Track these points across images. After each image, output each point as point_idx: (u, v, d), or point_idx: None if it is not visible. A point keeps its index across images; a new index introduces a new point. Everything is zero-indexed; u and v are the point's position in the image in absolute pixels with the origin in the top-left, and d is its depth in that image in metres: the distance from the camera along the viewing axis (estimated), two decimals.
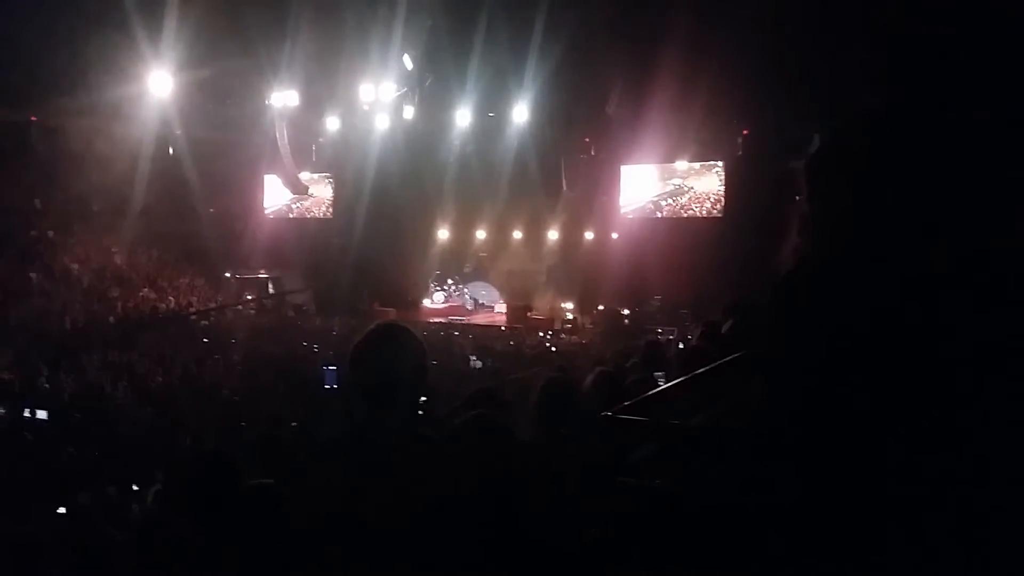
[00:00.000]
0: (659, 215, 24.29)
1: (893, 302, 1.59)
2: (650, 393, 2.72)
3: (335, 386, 11.16)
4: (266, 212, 28.48)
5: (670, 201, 24.21)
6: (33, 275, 19.46)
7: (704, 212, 23.67)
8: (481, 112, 23.38)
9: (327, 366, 11.59)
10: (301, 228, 27.67)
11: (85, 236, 22.74)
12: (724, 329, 4.50)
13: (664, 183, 24.27)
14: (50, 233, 22.00)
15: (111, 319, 18.90)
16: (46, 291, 19.04)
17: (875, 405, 1.57)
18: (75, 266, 21.17)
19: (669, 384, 3.19)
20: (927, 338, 1.58)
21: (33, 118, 22.09)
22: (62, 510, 7.16)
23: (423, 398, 2.52)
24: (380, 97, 22.08)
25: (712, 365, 3.22)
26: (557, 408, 3.17)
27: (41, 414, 10.76)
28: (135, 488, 7.86)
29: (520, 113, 22.70)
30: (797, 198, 1.87)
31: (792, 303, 1.74)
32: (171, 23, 16.70)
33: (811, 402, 1.65)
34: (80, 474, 8.54)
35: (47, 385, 12.66)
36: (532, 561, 2.23)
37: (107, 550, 5.95)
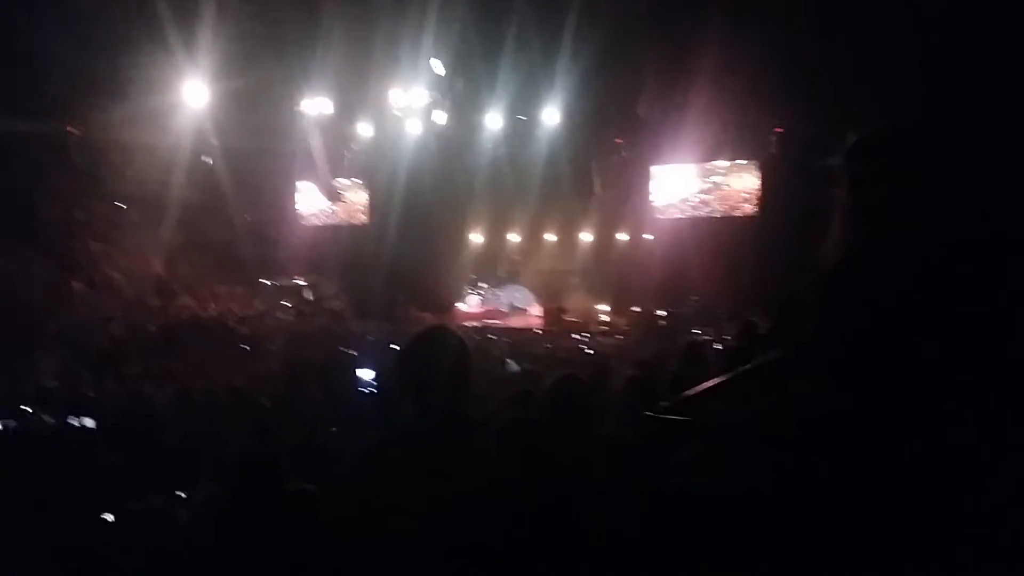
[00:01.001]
0: (693, 215, 24.09)
1: (943, 294, 1.58)
2: (690, 393, 2.71)
3: (370, 390, 11.20)
4: (301, 219, 28.72)
5: (704, 201, 24.02)
6: (75, 285, 19.81)
7: (739, 211, 23.45)
8: (512, 115, 23.41)
9: (358, 371, 11.63)
10: (336, 234, 27.84)
11: (126, 246, 23.10)
12: (763, 329, 4.48)
13: (697, 182, 24.10)
14: (90, 243, 22.39)
15: (152, 327, 19.18)
16: (88, 300, 19.37)
17: (930, 398, 1.56)
18: (116, 275, 21.52)
19: (708, 384, 3.17)
20: (977, 330, 1.56)
21: (71, 130, 22.49)
22: (110, 517, 7.27)
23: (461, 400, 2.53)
24: (411, 103, 22.22)
25: (753, 364, 3.20)
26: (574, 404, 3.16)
27: (87, 422, 10.94)
28: (181, 494, 7.96)
29: (551, 116, 22.70)
30: (836, 191, 1.85)
31: (842, 297, 1.73)
32: (205, 33, 16.94)
33: (864, 397, 1.63)
34: (126, 481, 8.67)
35: (92, 393, 12.88)
36: (575, 561, 2.24)
37: (157, 556, 6.05)
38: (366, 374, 12.04)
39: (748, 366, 3.25)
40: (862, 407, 1.66)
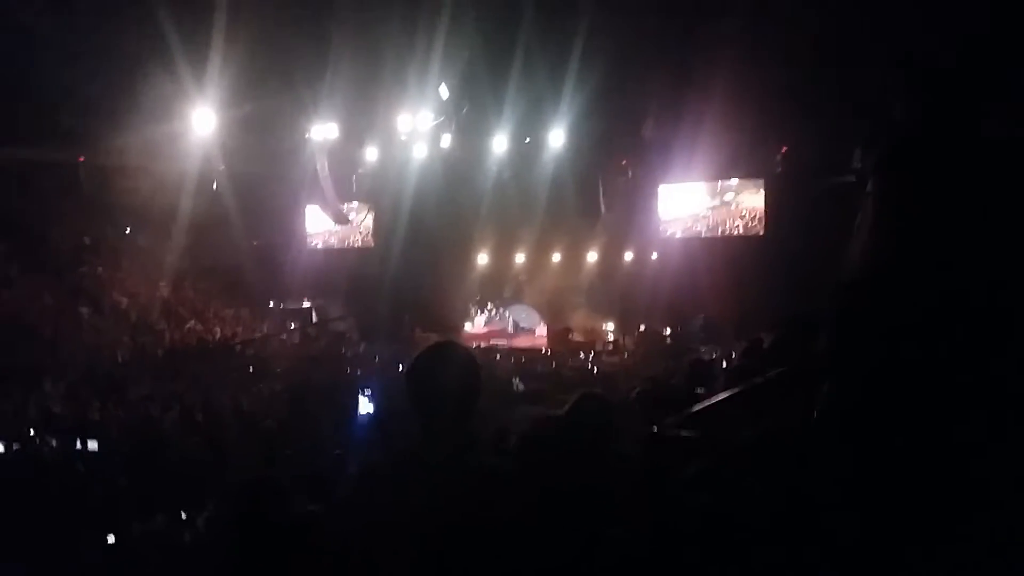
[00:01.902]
0: (699, 234, 24.10)
1: (960, 311, 1.56)
2: (695, 409, 2.69)
3: (375, 411, 11.14)
4: (308, 243, 28.81)
5: (709, 220, 24.02)
6: (83, 310, 19.88)
7: (745, 230, 23.44)
8: (518, 138, 23.48)
9: (363, 392, 11.58)
10: (343, 257, 27.92)
11: (133, 271, 23.21)
12: (767, 344, 4.45)
13: (703, 202, 24.12)
14: (99, 269, 22.49)
15: (159, 351, 19.21)
16: (96, 326, 19.43)
17: (948, 414, 1.54)
18: (124, 300, 21.60)
19: (714, 400, 3.15)
20: (995, 347, 1.54)
21: (81, 158, 22.66)
22: (112, 540, 7.26)
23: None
24: (418, 127, 22.31)
25: (758, 380, 3.18)
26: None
27: (92, 445, 10.93)
28: (184, 516, 7.94)
29: (556, 138, 22.76)
30: (862, 203, 1.82)
31: (858, 311, 1.71)
32: (213, 60, 17.06)
33: (877, 411, 1.61)
34: (131, 504, 8.66)
35: (98, 417, 12.88)
36: None
37: None
38: (371, 395, 12.00)
39: (754, 382, 3.23)
40: (879, 418, 1.64)
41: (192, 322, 22.19)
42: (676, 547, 2.06)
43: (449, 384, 2.22)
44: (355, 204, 27.75)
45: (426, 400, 2.23)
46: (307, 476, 4.93)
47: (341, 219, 26.97)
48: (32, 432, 11.73)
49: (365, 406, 11.75)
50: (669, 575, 2.05)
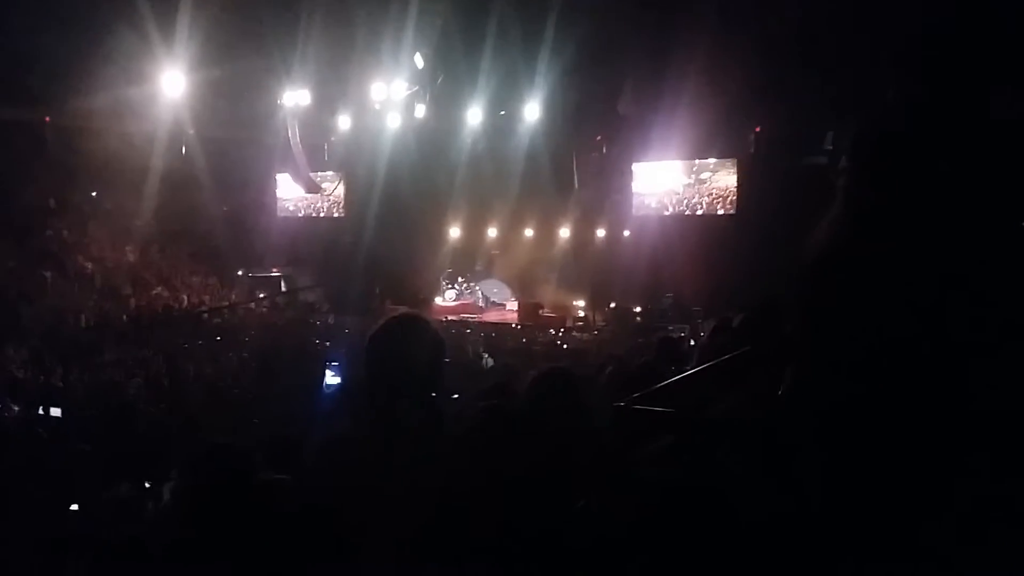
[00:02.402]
0: (671, 213, 24.16)
1: (931, 292, 1.56)
2: (661, 384, 2.70)
3: (336, 382, 11.09)
4: (279, 211, 28.55)
5: (682, 199, 24.09)
6: (47, 274, 19.57)
7: (717, 210, 23.55)
8: (492, 110, 23.35)
9: (329, 363, 11.54)
10: (313, 226, 27.73)
11: (99, 235, 22.87)
12: (735, 323, 4.48)
13: (676, 180, 24.16)
14: (64, 232, 22.13)
15: (124, 317, 18.98)
16: (60, 290, 19.15)
17: (904, 399, 1.55)
18: (89, 265, 21.29)
19: (680, 375, 3.16)
20: (962, 331, 1.55)
21: (47, 119, 22.23)
22: (75, 507, 7.18)
23: (434, 394, 2.49)
24: (391, 96, 22.10)
25: (724, 358, 3.20)
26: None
27: (55, 412, 10.80)
28: (148, 485, 7.88)
29: (532, 111, 22.66)
30: (838, 183, 1.80)
31: (821, 291, 1.71)
32: (184, 23, 16.75)
33: (836, 393, 1.62)
34: (94, 472, 8.57)
35: (61, 383, 12.73)
36: (544, 553, 2.22)
37: (122, 547, 5.97)
38: (339, 366, 11.97)
39: (720, 359, 3.25)
40: (845, 399, 1.64)
41: (159, 288, 21.94)
42: (644, 521, 2.06)
43: (409, 359, 2.20)
44: (327, 173, 27.53)
45: (385, 374, 2.21)
46: (273, 445, 4.91)
47: (312, 188, 26.73)
48: None
49: (332, 377, 11.73)
50: (638, 549, 2.05)
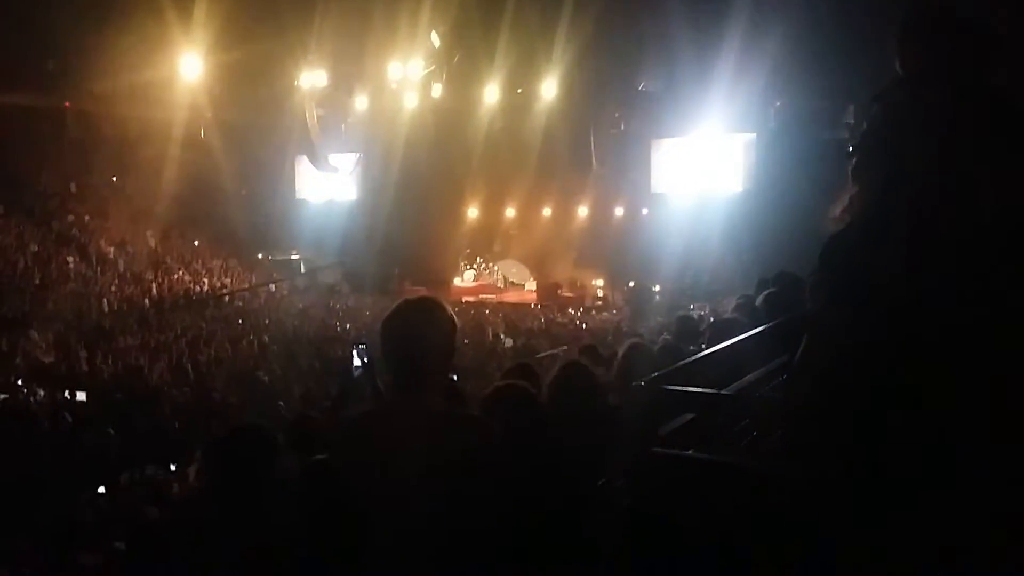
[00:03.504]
0: (690, 189, 24.00)
1: (946, 267, 1.54)
2: (682, 363, 2.68)
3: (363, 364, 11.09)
4: (297, 193, 28.62)
5: (702, 175, 23.90)
6: (70, 259, 19.75)
7: (736, 185, 23.37)
8: (510, 88, 23.21)
9: (357, 346, 11.48)
10: (332, 208, 27.79)
11: (120, 220, 23.03)
12: (759, 301, 4.45)
13: (696, 157, 23.97)
14: (86, 217, 22.31)
15: (147, 302, 19.14)
16: (83, 275, 19.31)
17: (918, 377, 1.52)
18: (111, 249, 21.46)
19: (701, 354, 3.14)
20: (975, 307, 1.52)
21: (68, 104, 22.37)
22: (102, 490, 7.27)
23: (454, 376, 2.48)
24: (408, 75, 22.02)
25: (745, 335, 3.17)
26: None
27: (80, 396, 10.93)
28: (173, 468, 7.97)
29: (549, 89, 22.49)
30: (850, 150, 1.78)
31: (840, 265, 1.68)
32: (201, 6, 16.74)
33: (852, 371, 1.59)
34: (120, 454, 8.68)
35: (86, 367, 12.86)
36: (564, 533, 2.22)
37: (148, 529, 6.04)
38: (360, 348, 11.99)
39: (742, 337, 3.22)
40: (866, 380, 1.62)
41: (180, 272, 22.09)
42: (662, 495, 2.05)
43: (422, 342, 2.20)
44: (345, 154, 27.54)
45: (398, 354, 2.21)
46: (296, 427, 4.93)
47: (329, 169, 26.76)
48: (20, 382, 11.70)
49: (354, 359, 11.76)
50: (655, 521, 2.04)
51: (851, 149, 1.77)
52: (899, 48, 1.79)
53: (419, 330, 2.20)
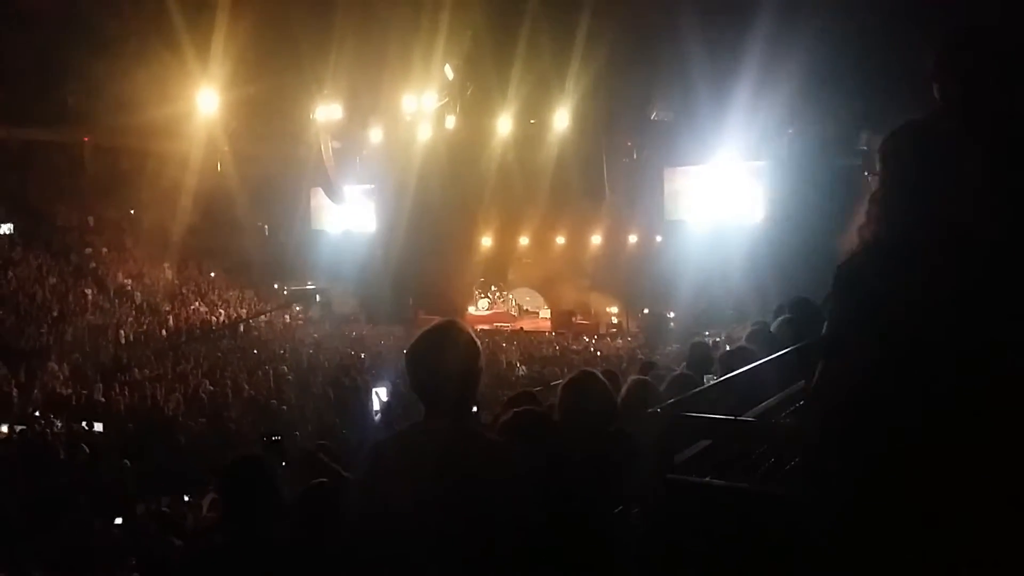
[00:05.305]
0: (706, 217, 23.97)
1: (965, 285, 1.54)
2: (696, 390, 2.68)
3: (378, 395, 11.04)
4: (313, 224, 28.80)
5: (714, 203, 23.88)
6: (88, 291, 19.92)
7: (749, 212, 23.32)
8: (522, 119, 23.36)
9: (369, 375, 11.52)
10: (347, 239, 27.93)
11: (137, 252, 23.25)
12: (774, 327, 4.43)
13: (709, 185, 23.97)
14: (104, 250, 22.54)
15: (163, 333, 19.25)
16: (101, 307, 19.46)
17: (944, 399, 1.52)
18: (128, 282, 21.63)
19: (715, 381, 3.13)
20: (1001, 327, 1.52)
21: (86, 138, 22.67)
22: (119, 521, 7.28)
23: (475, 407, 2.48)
24: (422, 107, 22.21)
25: (759, 362, 3.16)
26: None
27: (97, 427, 10.97)
28: (187, 499, 7.97)
29: (561, 119, 22.62)
30: (869, 175, 1.79)
31: (856, 286, 1.69)
32: (218, 41, 16.98)
33: (876, 391, 1.59)
34: (136, 485, 8.69)
35: (102, 398, 12.91)
36: (582, 553, 2.21)
37: (164, 559, 6.04)
38: (377, 378, 12.03)
39: (756, 364, 3.21)
40: (883, 403, 1.62)
41: (197, 303, 22.22)
42: (680, 522, 2.05)
43: (449, 366, 2.20)
44: (359, 186, 27.72)
45: (425, 381, 2.21)
46: (312, 457, 4.93)
47: (344, 201, 26.93)
48: (37, 413, 11.76)
49: (371, 388, 11.77)
50: (673, 549, 2.04)
51: (867, 175, 1.78)
52: (932, 73, 1.81)
53: (447, 354, 2.20)
